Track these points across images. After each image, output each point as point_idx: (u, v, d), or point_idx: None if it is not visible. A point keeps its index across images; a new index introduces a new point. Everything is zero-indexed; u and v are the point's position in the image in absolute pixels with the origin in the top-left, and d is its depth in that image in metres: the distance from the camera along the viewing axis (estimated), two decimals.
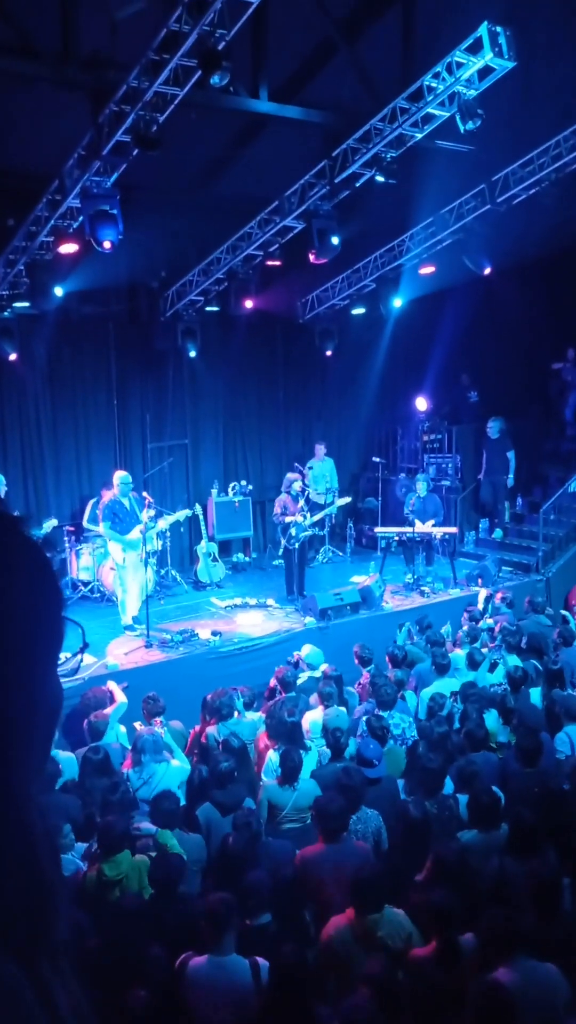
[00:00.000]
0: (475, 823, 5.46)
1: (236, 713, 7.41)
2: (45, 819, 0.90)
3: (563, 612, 11.47)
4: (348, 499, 12.95)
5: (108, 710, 7.58)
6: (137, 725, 7.46)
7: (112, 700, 7.84)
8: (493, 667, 8.64)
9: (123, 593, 10.41)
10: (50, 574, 0.93)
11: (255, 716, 7.70)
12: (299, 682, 8.38)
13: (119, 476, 10.41)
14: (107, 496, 10.75)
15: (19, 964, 0.82)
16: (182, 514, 11.31)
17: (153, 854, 5.13)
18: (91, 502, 12.15)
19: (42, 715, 0.91)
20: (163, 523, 10.93)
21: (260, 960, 4.10)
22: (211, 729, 7.33)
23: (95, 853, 5.11)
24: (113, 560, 10.53)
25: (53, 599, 0.93)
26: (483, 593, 11.07)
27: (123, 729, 7.51)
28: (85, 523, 12.03)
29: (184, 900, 4.60)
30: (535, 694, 8.00)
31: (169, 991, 3.93)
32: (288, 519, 11.63)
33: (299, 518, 11.51)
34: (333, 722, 6.98)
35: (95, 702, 7.80)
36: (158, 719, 7.29)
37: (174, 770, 6.58)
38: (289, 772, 6.15)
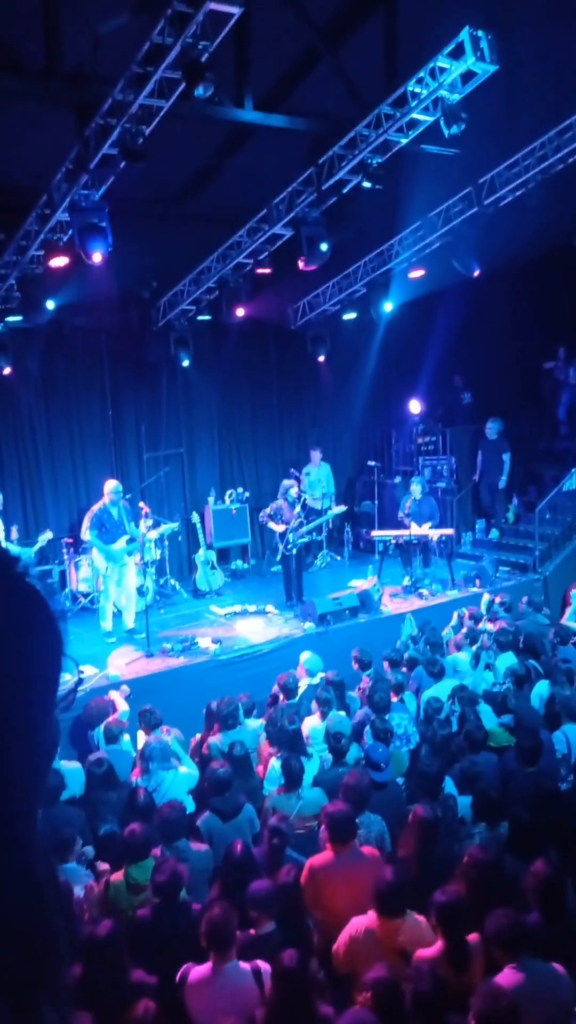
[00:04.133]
0: (480, 819, 5.49)
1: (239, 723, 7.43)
2: (50, 864, 0.91)
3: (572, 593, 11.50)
4: (344, 507, 12.98)
5: (110, 719, 7.61)
6: (140, 735, 7.47)
7: (114, 709, 7.87)
8: (487, 667, 8.66)
9: (105, 600, 10.49)
10: (47, 615, 0.90)
11: (256, 723, 7.71)
12: (300, 690, 8.40)
13: (110, 485, 10.52)
14: (97, 506, 10.76)
15: (16, 1006, 0.82)
16: (167, 527, 11.34)
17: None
18: (88, 513, 12.14)
19: (42, 760, 0.92)
20: (153, 533, 10.93)
21: (262, 965, 4.12)
22: (213, 739, 7.35)
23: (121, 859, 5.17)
24: (97, 568, 10.64)
25: (52, 643, 0.92)
26: (485, 598, 11.12)
27: (126, 737, 7.52)
28: (83, 535, 12.02)
29: (186, 909, 4.60)
30: (538, 692, 8.00)
31: (168, 1006, 3.93)
32: (275, 526, 11.63)
33: (291, 525, 11.49)
34: (336, 727, 6.98)
35: (98, 712, 7.83)
36: (164, 727, 7.31)
37: (182, 777, 6.59)
38: (291, 780, 6.16)
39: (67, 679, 0.96)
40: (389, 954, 4.14)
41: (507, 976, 3.84)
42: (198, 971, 4.14)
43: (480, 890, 4.45)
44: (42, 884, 0.87)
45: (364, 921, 4.38)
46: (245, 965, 4.16)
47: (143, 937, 4.54)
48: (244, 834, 5.75)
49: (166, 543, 12.30)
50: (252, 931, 4.50)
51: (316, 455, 14.42)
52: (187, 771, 6.70)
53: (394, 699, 7.62)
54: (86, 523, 12.03)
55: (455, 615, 10.37)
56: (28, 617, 0.89)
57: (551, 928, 4.23)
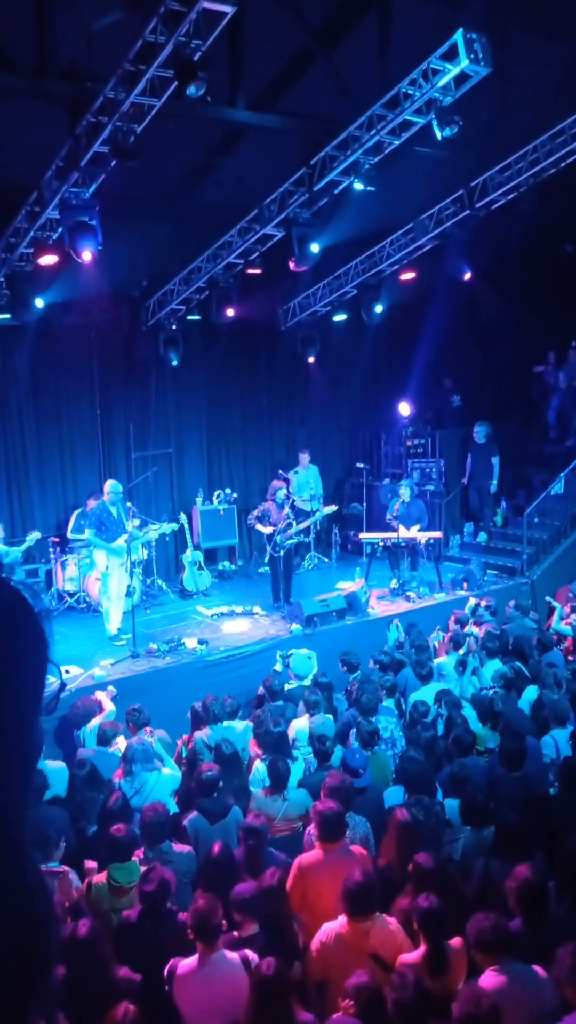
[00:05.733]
0: (468, 823, 5.48)
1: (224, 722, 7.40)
2: (38, 869, 0.89)
3: (547, 599, 11.47)
4: (334, 507, 12.96)
5: (96, 719, 7.57)
6: (120, 740, 7.40)
7: (100, 709, 7.83)
8: (473, 671, 8.65)
9: (108, 601, 10.40)
10: (31, 618, 0.90)
11: (243, 724, 7.68)
12: (287, 688, 8.38)
13: (110, 484, 10.47)
14: (93, 504, 10.74)
15: (7, 1015, 0.81)
16: (167, 527, 11.29)
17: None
18: (76, 513, 12.12)
19: (29, 764, 0.90)
20: (154, 532, 10.92)
21: (250, 954, 4.13)
22: (199, 734, 7.32)
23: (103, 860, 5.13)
24: (97, 568, 10.54)
25: (38, 646, 0.90)
26: (471, 602, 11.11)
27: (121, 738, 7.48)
28: (69, 534, 11.99)
29: (170, 914, 4.56)
30: (527, 697, 7.98)
31: (150, 1008, 3.90)
32: (263, 528, 11.62)
33: (279, 527, 11.47)
34: (319, 729, 6.96)
35: (84, 711, 7.79)
36: (147, 729, 7.28)
37: (165, 779, 6.56)
38: (277, 782, 6.13)
39: (51, 682, 0.94)
40: (361, 959, 4.12)
41: (489, 979, 3.83)
42: (186, 964, 4.13)
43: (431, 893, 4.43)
44: (33, 890, 0.86)
45: (334, 927, 4.35)
46: (232, 955, 4.16)
47: (125, 941, 4.50)
48: (230, 836, 5.71)
49: (153, 544, 12.26)
50: (236, 933, 4.47)
51: (305, 457, 14.38)
52: (170, 773, 6.67)
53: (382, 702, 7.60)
54: (72, 524, 12.03)
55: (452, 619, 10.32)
56: (12, 620, 0.88)
57: (533, 932, 4.22)
